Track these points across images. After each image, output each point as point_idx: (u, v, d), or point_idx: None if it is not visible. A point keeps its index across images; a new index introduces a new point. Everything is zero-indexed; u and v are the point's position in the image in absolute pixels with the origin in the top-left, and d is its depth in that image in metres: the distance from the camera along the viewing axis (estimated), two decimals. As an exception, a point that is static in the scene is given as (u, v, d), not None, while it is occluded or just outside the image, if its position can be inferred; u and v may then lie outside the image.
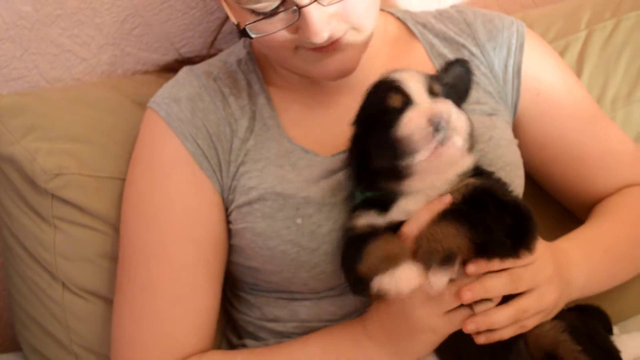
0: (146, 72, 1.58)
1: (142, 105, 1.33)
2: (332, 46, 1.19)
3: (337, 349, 1.19)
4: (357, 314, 1.23)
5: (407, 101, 1.07)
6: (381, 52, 1.34)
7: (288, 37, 1.18)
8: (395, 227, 1.10)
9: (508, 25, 1.37)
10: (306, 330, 1.25)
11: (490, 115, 1.30)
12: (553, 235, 1.28)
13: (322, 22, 1.15)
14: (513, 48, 1.36)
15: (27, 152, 1.34)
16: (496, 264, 1.08)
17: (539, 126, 1.38)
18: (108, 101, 1.45)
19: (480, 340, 1.11)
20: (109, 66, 1.56)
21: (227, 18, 1.51)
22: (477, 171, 1.13)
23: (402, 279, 1.03)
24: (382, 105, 1.09)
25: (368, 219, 1.12)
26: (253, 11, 1.16)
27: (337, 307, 1.25)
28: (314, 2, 1.14)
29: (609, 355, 1.16)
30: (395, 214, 1.11)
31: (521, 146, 1.35)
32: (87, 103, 1.43)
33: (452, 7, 1.43)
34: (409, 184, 1.09)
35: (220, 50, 1.47)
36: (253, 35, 1.18)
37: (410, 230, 1.08)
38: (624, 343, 1.20)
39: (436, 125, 1.03)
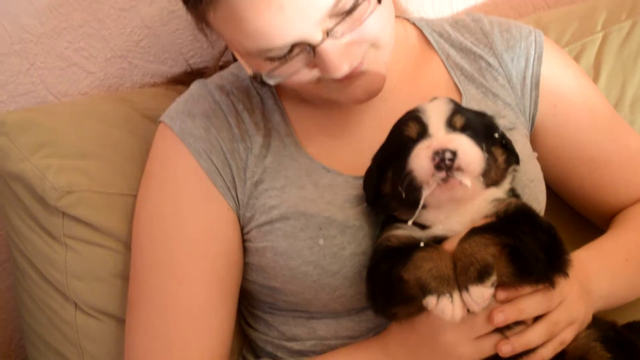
0: (155, 85, 1.56)
1: (152, 119, 1.31)
2: (354, 73, 1.16)
3: None
4: (377, 330, 1.21)
5: (422, 132, 1.07)
6: (400, 62, 1.31)
7: (308, 73, 1.15)
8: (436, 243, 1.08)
9: (526, 35, 1.34)
10: (324, 348, 1.23)
11: (510, 130, 1.27)
12: (573, 246, 1.25)
13: (339, 56, 1.12)
14: (531, 59, 1.33)
15: (37, 169, 1.32)
16: (527, 289, 1.06)
17: (556, 138, 1.35)
18: (117, 115, 1.42)
19: None
20: (116, 79, 1.54)
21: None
22: (514, 193, 1.13)
23: (461, 304, 1.01)
24: (401, 134, 1.09)
25: (407, 231, 1.10)
26: (268, 58, 1.14)
27: (355, 323, 1.23)
28: (326, 39, 1.11)
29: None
30: (439, 230, 1.09)
31: (539, 158, 1.32)
32: (96, 117, 1.41)
33: (467, 15, 1.39)
34: (425, 217, 1.09)
35: (229, 61, 1.45)
36: (272, 82, 1.16)
37: (451, 248, 1.05)
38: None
39: (439, 162, 1.02)
